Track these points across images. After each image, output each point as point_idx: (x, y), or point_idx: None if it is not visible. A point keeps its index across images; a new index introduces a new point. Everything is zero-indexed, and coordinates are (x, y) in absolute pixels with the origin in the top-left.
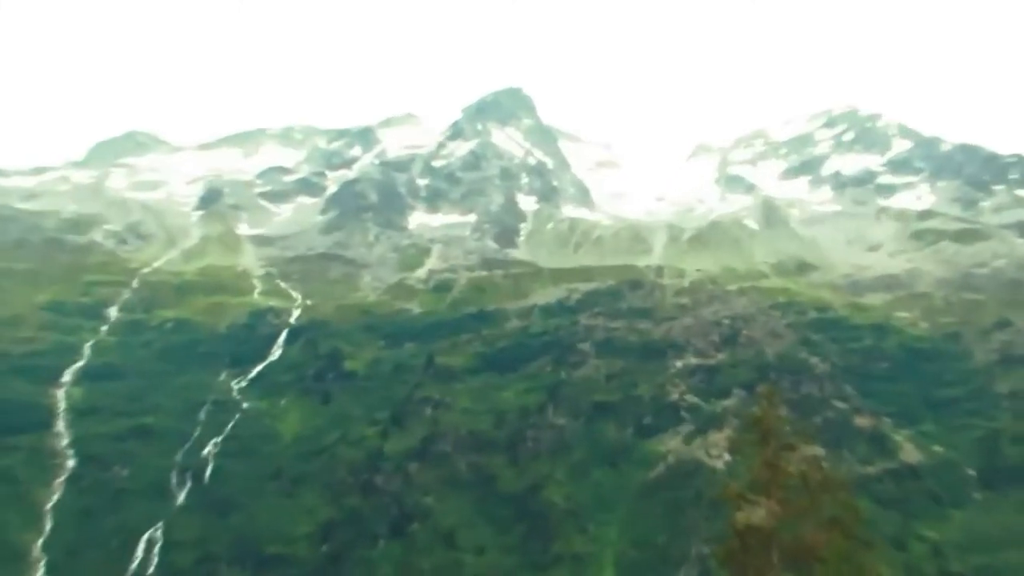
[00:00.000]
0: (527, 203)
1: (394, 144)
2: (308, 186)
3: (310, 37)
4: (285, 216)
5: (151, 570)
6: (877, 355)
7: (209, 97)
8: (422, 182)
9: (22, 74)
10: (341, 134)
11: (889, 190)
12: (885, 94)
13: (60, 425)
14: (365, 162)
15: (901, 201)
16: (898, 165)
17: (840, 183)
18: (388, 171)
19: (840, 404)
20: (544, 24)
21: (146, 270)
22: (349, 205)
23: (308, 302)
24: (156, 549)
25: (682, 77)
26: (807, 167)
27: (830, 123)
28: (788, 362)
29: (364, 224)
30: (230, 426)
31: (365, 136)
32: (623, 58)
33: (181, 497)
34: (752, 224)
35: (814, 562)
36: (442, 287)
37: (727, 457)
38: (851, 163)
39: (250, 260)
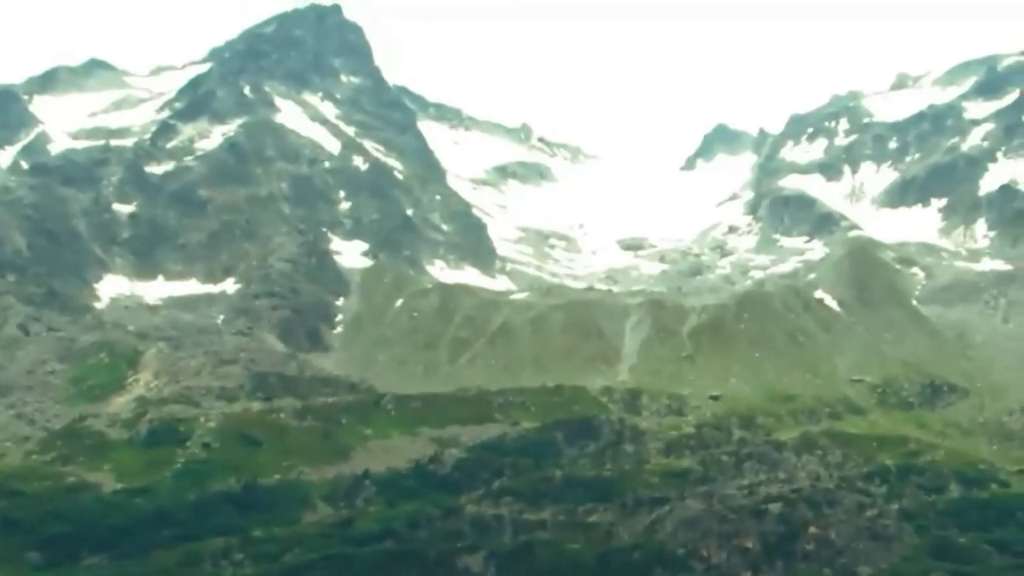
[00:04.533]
0: (350, 254)
1: (63, 126)
2: None
3: None
4: None
5: None
6: None
7: None
8: (124, 209)
9: None
10: None
11: None
12: None
13: None
14: (0, 165)
15: None
16: None
17: (1013, 214)
18: (51, 185)
19: None
20: None
21: None
22: None
23: None
24: None
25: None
26: (944, 179)
27: (991, 86)
28: None
29: None
30: None
31: (1, 109)
32: None
33: None
34: (829, 300)
35: None
36: (166, 436)
37: None
38: None
39: None
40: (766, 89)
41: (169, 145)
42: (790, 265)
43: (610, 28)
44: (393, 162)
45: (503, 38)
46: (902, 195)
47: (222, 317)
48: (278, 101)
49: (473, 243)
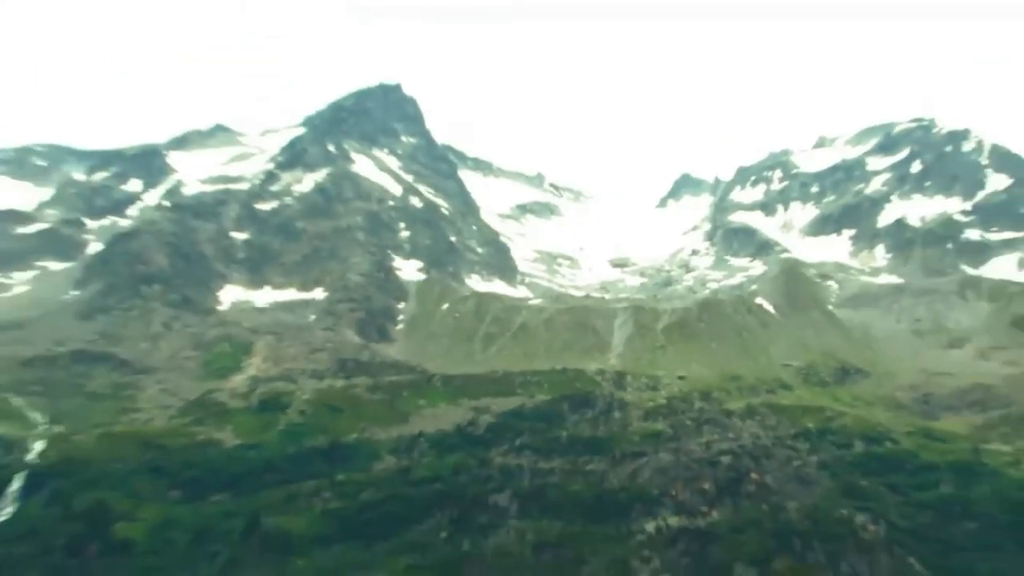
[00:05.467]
0: (408, 270)
1: (194, 175)
2: (55, 242)
3: (53, 11)
4: (18, 291)
5: None
6: (961, 512)
7: None
8: (239, 236)
9: None
10: (108, 159)
11: (980, 252)
12: (972, 102)
13: None
14: (148, 204)
15: (999, 269)
16: (994, 213)
17: (904, 241)
18: (185, 218)
19: None
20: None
21: None
22: (121, 273)
23: (56, 429)
24: None
25: (654, 78)
26: (852, 215)
27: (888, 146)
28: (822, 523)
29: (146, 304)
30: None
31: (148, 162)
32: (562, 49)
33: None
34: (767, 305)
35: None
36: (272, 405)
37: None
38: (921, 209)
39: None
40: (720, 147)
41: (273, 188)
42: (737, 279)
43: (605, 96)
44: (441, 201)
45: (523, 103)
46: (822, 227)
47: (313, 317)
48: (354, 155)
49: (500, 262)
